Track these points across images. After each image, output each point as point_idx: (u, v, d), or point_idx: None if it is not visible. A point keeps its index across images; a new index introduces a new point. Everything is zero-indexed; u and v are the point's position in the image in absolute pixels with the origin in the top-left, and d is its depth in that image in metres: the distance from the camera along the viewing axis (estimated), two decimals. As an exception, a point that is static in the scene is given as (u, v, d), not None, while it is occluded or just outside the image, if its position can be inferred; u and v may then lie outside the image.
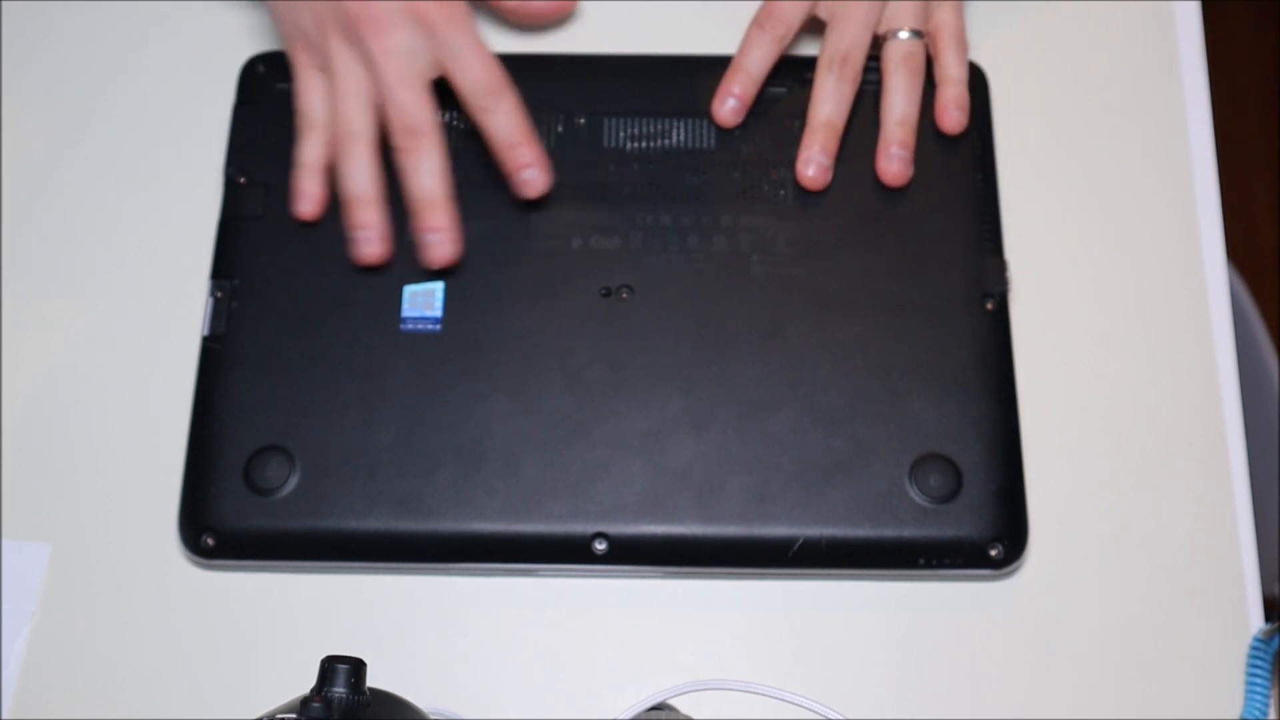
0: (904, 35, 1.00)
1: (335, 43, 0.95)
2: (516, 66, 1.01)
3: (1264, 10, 2.20)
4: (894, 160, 0.98)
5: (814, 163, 0.98)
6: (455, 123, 1.00)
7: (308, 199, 0.97)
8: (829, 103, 0.99)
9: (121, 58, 1.06)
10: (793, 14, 1.00)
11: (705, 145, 0.99)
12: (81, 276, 1.00)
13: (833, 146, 0.98)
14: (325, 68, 0.96)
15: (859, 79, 1.00)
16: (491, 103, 0.95)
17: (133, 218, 1.01)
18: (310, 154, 0.97)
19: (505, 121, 0.95)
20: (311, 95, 0.98)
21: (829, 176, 0.98)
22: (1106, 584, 0.91)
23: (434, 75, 0.95)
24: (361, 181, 0.95)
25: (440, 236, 0.95)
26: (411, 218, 0.95)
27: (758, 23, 1.00)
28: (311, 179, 0.97)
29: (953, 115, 0.99)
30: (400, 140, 0.94)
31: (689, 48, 1.04)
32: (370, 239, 0.95)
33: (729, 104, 0.99)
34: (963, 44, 1.01)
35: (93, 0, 1.08)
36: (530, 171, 0.96)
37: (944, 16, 1.01)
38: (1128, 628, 0.90)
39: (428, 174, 0.95)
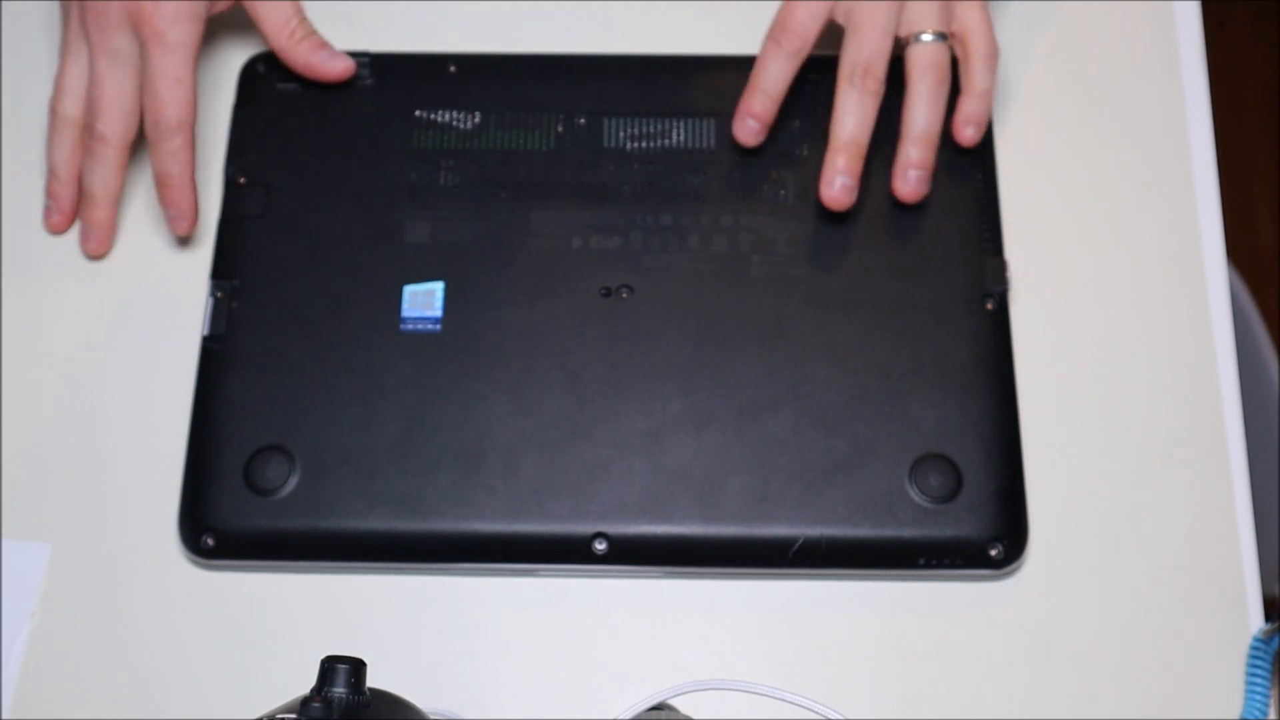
0: (927, 38, 0.97)
1: (73, 27, 1.00)
2: (518, 66, 1.02)
3: (1264, 10, 2.20)
4: (910, 182, 0.96)
5: (837, 183, 0.96)
6: (456, 123, 1.00)
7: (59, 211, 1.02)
8: (852, 118, 0.96)
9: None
10: (808, 25, 0.97)
11: (705, 145, 0.99)
12: (82, 276, 1.00)
13: (857, 166, 0.96)
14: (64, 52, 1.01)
15: (882, 90, 0.96)
16: (156, 139, 0.98)
17: (133, 218, 1.01)
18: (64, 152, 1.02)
19: (163, 163, 0.98)
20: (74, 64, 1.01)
21: (853, 197, 0.96)
22: (1106, 584, 0.91)
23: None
24: (58, 159, 1.01)
25: (92, 230, 1.01)
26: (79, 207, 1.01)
27: (773, 38, 0.98)
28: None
29: (967, 132, 0.98)
30: (83, 137, 1.00)
31: (689, 48, 1.04)
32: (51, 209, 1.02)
33: (749, 124, 0.98)
34: (993, 50, 0.98)
35: (93, 0, 1.08)
36: (172, 212, 0.99)
37: (970, 18, 0.98)
38: (1128, 628, 0.90)
39: (97, 176, 0.99)
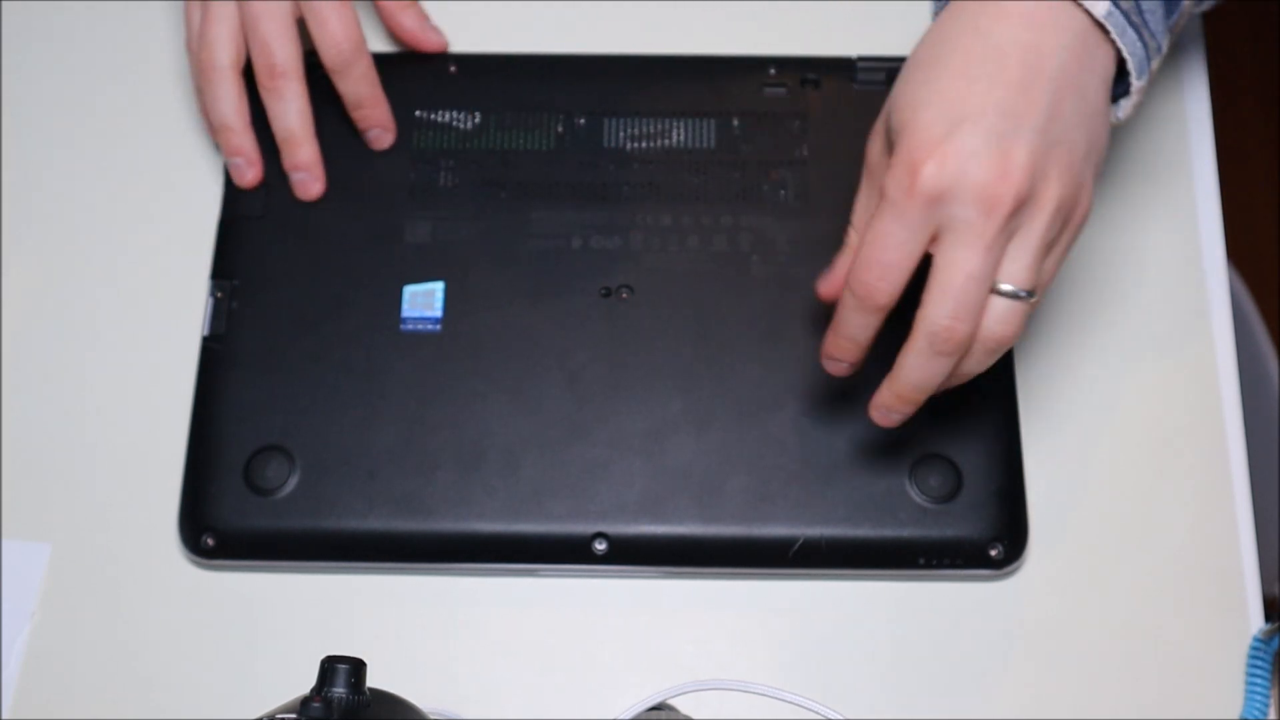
0: (1006, 288, 0.79)
1: None
2: (518, 66, 1.02)
3: (1264, 12, 2.20)
4: (878, 413, 0.85)
5: (877, 409, 0.85)
6: (456, 123, 1.00)
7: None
8: (915, 375, 0.82)
9: (121, 58, 1.06)
10: (892, 286, 0.81)
11: (705, 145, 0.99)
12: (82, 276, 1.00)
13: (903, 412, 0.84)
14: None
15: (959, 354, 0.81)
16: (343, 66, 0.98)
17: (133, 218, 1.02)
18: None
19: (355, 87, 0.98)
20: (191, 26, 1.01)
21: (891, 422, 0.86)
22: (1106, 584, 0.91)
23: (298, 17, 0.98)
24: (228, 111, 0.99)
25: (303, 175, 0.98)
26: (280, 154, 0.99)
27: (856, 300, 0.82)
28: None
29: (875, 415, 0.85)
30: (263, 79, 0.98)
31: (689, 48, 1.04)
32: (241, 166, 0.99)
33: (839, 366, 0.86)
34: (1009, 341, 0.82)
35: (93, 0, 1.08)
36: (375, 131, 1.00)
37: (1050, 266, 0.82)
38: (1128, 628, 0.90)
39: (290, 113, 0.98)
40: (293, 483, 0.91)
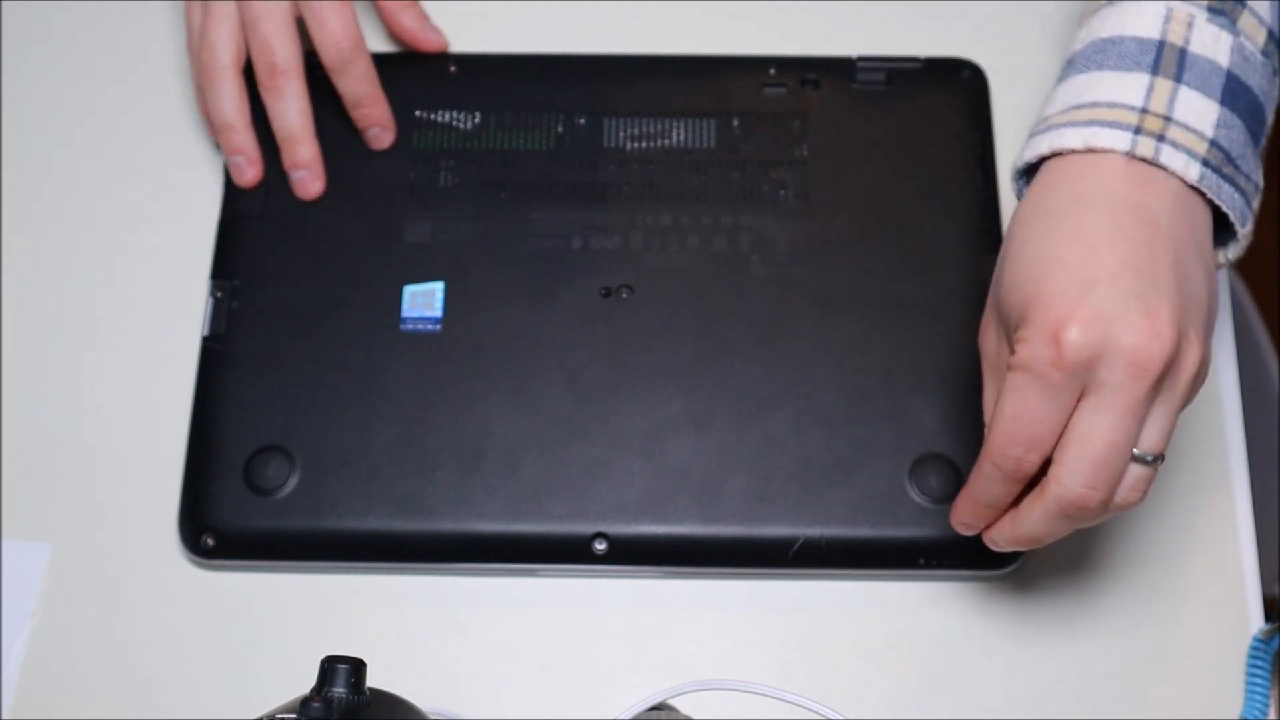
0: (1147, 456, 0.76)
1: None
2: (518, 66, 1.02)
3: (1264, 11, 2.19)
4: (965, 529, 0.83)
5: (968, 529, 0.82)
6: (456, 123, 1.00)
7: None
8: (1035, 528, 0.78)
9: (121, 58, 1.06)
10: (1040, 457, 0.76)
11: (705, 145, 0.99)
12: (82, 276, 1.00)
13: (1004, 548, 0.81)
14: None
15: (1088, 521, 0.77)
16: (342, 64, 0.98)
17: (133, 218, 1.02)
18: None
19: (354, 85, 0.98)
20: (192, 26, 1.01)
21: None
22: (1106, 584, 0.91)
23: (297, 16, 0.99)
24: (228, 110, 0.99)
25: (303, 173, 0.98)
26: (280, 153, 0.99)
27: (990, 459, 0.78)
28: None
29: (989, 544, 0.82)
30: (263, 78, 0.98)
31: (689, 48, 1.04)
32: (242, 164, 0.99)
33: (971, 530, 0.82)
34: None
35: (93, 0, 1.08)
36: (374, 130, 0.99)
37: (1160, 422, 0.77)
38: (1127, 628, 0.90)
39: (290, 112, 0.98)
40: (293, 483, 0.91)
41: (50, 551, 0.93)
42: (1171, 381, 0.74)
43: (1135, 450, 0.74)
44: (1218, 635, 0.90)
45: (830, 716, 0.71)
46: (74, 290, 1.00)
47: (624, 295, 0.95)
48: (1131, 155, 0.77)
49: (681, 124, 1.00)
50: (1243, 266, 1.39)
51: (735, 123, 1.00)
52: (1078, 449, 0.74)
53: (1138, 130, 0.77)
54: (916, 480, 0.90)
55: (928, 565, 0.90)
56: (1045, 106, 0.82)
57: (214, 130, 0.99)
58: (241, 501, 0.91)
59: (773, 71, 1.01)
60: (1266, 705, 0.88)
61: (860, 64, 1.01)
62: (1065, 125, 0.79)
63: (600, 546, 0.90)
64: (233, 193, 0.99)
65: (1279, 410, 1.36)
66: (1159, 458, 0.75)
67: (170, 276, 0.99)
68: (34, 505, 0.94)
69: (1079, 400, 0.74)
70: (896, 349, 0.93)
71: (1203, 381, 0.77)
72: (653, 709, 0.76)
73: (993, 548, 0.81)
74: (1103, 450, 0.74)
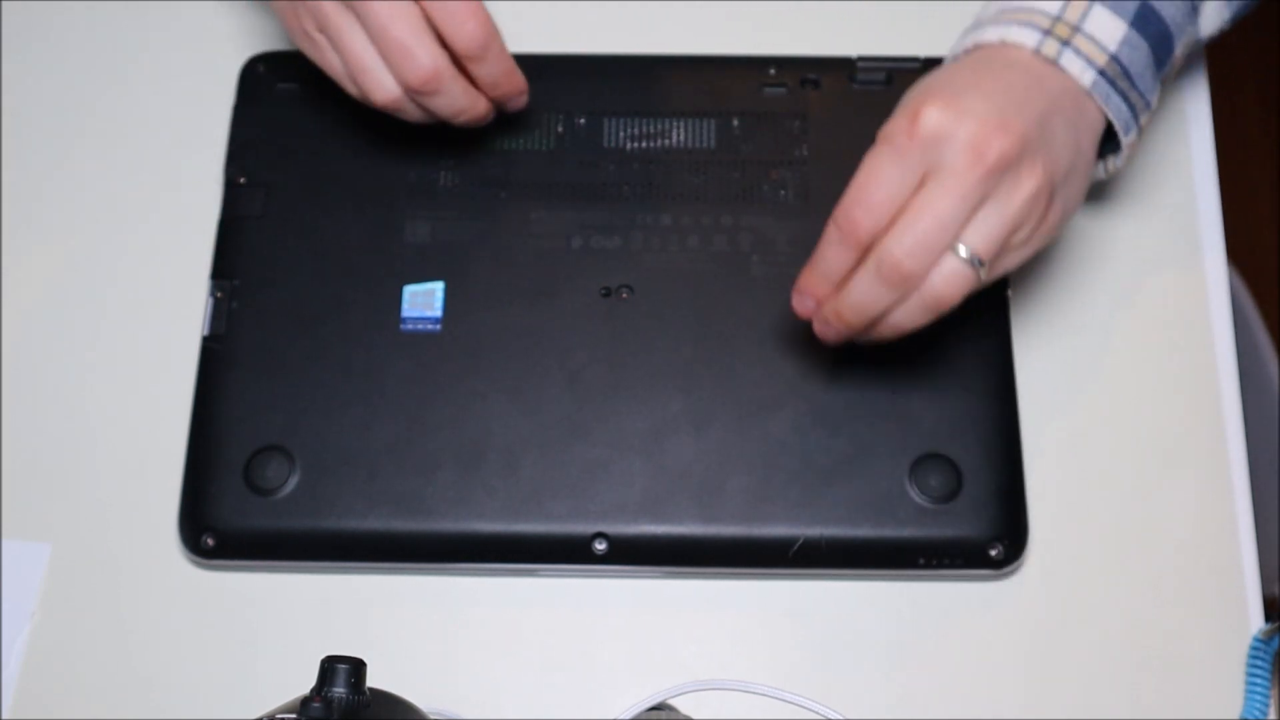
0: (963, 251, 0.82)
1: (327, 6, 0.91)
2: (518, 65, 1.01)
3: (1264, 11, 2.20)
4: (819, 322, 0.87)
5: (820, 321, 0.87)
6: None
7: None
8: (857, 295, 0.84)
9: (121, 58, 1.06)
10: (875, 224, 0.83)
11: (705, 145, 0.99)
12: (82, 276, 1.00)
13: (839, 331, 0.86)
14: (323, 30, 0.92)
15: (900, 291, 0.83)
16: (480, 53, 0.91)
17: (133, 218, 1.02)
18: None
19: (493, 68, 0.93)
20: (330, 58, 0.94)
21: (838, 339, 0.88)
22: (1106, 584, 0.91)
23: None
24: (451, 102, 0.93)
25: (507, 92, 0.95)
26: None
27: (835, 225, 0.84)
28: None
29: (818, 328, 0.87)
30: (421, 92, 0.91)
31: (689, 48, 1.04)
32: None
33: (807, 304, 0.87)
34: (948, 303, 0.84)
35: (93, 0, 1.08)
36: (522, 98, 0.96)
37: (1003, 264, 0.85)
38: (1127, 628, 0.90)
39: (458, 101, 0.92)
40: (292, 483, 0.91)
41: (50, 551, 0.93)
42: (1008, 187, 0.82)
43: (960, 247, 0.81)
44: (1218, 635, 0.90)
45: (830, 716, 0.71)
46: (74, 290, 1.00)
47: (624, 295, 0.95)
48: (1037, 52, 0.86)
49: (681, 124, 1.00)
50: (1243, 267, 1.39)
51: (735, 123, 1.00)
52: (906, 219, 0.81)
53: (1047, 33, 0.86)
54: (916, 480, 0.90)
55: (927, 565, 0.90)
56: (980, 12, 0.91)
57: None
58: (241, 501, 0.91)
59: (773, 71, 1.01)
60: (1266, 705, 0.88)
61: (860, 64, 1.01)
62: (989, 24, 0.88)
63: (600, 546, 0.90)
64: (233, 193, 0.99)
65: (1279, 410, 1.36)
66: (980, 263, 0.82)
67: (170, 276, 0.99)
68: (34, 505, 0.94)
69: (924, 183, 0.82)
70: (896, 349, 0.93)
71: (1049, 233, 0.85)
72: (653, 709, 0.76)
73: (821, 330, 0.87)
74: (928, 223, 0.81)
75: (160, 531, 0.93)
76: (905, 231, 0.81)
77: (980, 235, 0.81)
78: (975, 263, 0.82)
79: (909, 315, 0.84)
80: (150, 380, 0.97)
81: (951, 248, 0.81)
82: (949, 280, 0.82)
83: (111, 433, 0.96)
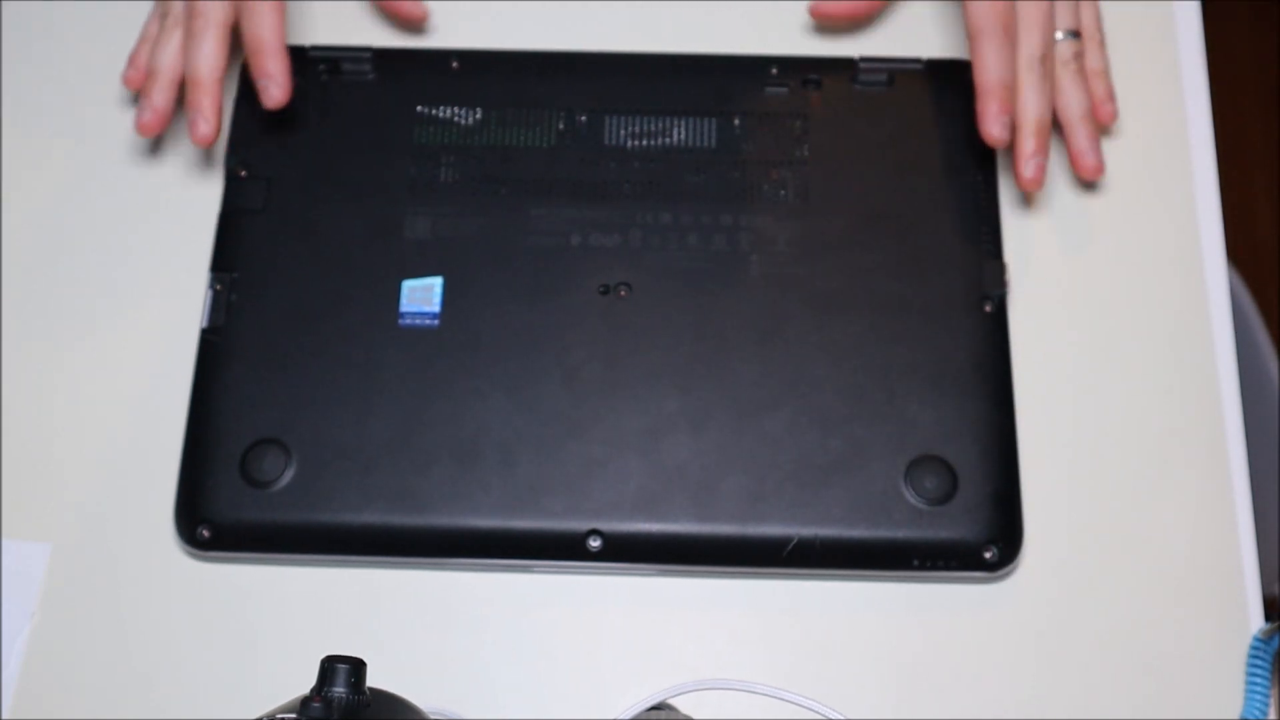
0: (1060, 36, 1.00)
1: None
2: (520, 63, 1.02)
3: (1264, 10, 2.20)
4: (1088, 154, 1.00)
5: (1033, 162, 0.97)
6: (457, 119, 1.00)
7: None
8: (1035, 101, 0.98)
9: (124, 51, 1.06)
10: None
11: (706, 144, 0.99)
12: (81, 270, 1.00)
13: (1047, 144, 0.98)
14: None
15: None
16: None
17: (133, 211, 1.01)
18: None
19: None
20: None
21: (1045, 175, 0.98)
22: (1104, 586, 0.91)
23: None
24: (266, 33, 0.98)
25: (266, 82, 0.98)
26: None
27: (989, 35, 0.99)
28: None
29: (1108, 107, 1.02)
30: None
31: (691, 47, 1.04)
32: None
33: (1005, 120, 0.98)
34: (1104, 40, 1.03)
35: (93, 0, 1.08)
36: (262, 82, 0.98)
37: (1087, 10, 1.03)
38: (1127, 628, 0.90)
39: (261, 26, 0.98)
40: (288, 476, 0.91)
41: (50, 551, 0.93)
42: None
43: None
44: (1218, 635, 0.90)
45: (830, 716, 0.71)
46: (74, 285, 0.99)
47: (622, 293, 0.95)
48: None
49: (682, 123, 1.00)
50: (1243, 266, 1.39)
51: (736, 122, 1.00)
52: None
53: None
54: (912, 482, 0.90)
55: (922, 567, 0.90)
56: None
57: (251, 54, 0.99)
58: (237, 494, 0.91)
59: (774, 71, 1.01)
60: (1266, 705, 0.88)
61: (862, 64, 1.01)
62: None
63: (595, 544, 0.90)
64: (233, 186, 0.99)
65: (1279, 410, 1.36)
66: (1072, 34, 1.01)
67: (170, 269, 0.99)
68: (34, 505, 0.94)
69: None
70: (894, 350, 0.93)
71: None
72: (653, 709, 0.76)
73: (1028, 176, 0.97)
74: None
75: (158, 525, 0.93)
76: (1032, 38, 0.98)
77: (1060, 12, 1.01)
78: (1071, 35, 1.01)
79: (1071, 92, 1.01)
80: (149, 373, 0.97)
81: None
82: (1072, 53, 1.01)
83: (111, 427, 0.96)
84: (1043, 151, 0.97)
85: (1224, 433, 0.95)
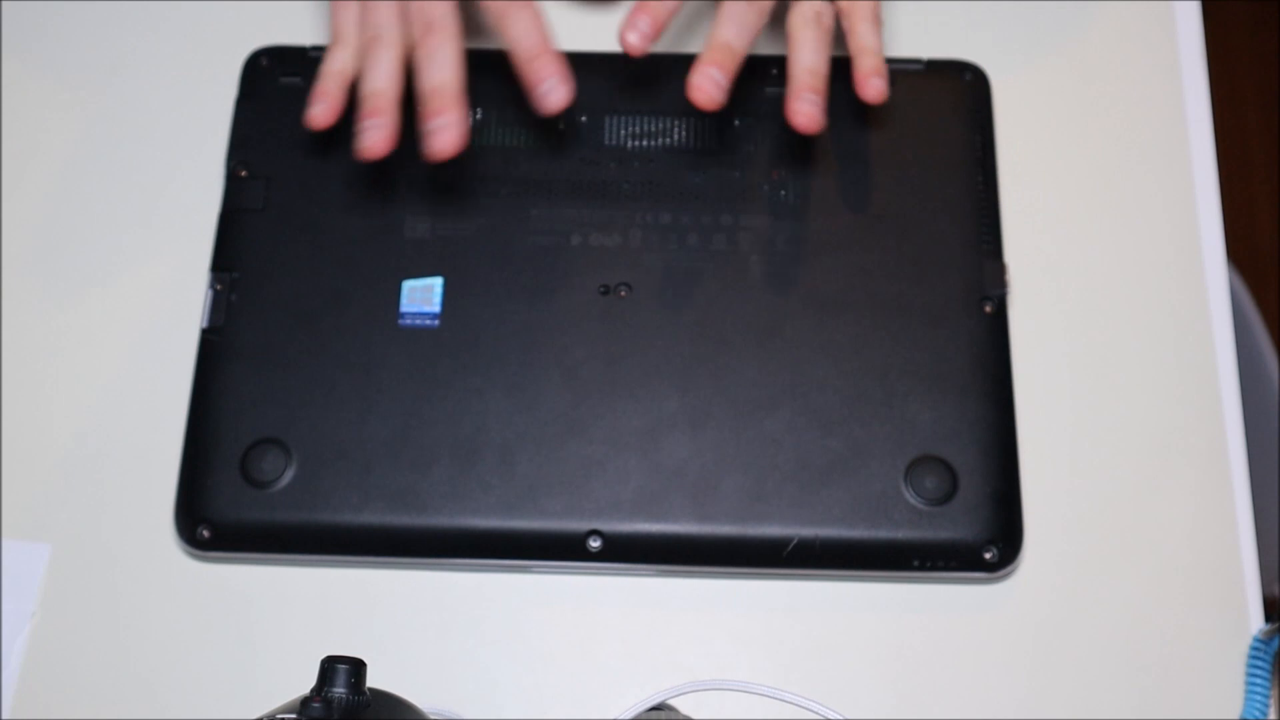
0: None
1: None
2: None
3: (1264, 10, 2.20)
4: (806, 103, 0.93)
5: (806, 101, 0.93)
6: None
7: (324, 101, 0.94)
8: (809, 51, 0.94)
9: (124, 51, 1.06)
10: None
11: (706, 144, 0.99)
12: (82, 269, 1.00)
13: (825, 89, 0.94)
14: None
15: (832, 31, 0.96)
16: (511, 12, 0.93)
17: (134, 210, 1.02)
18: (337, 63, 0.95)
19: (525, 32, 0.93)
20: (345, 14, 0.96)
21: (823, 122, 0.93)
22: (1104, 586, 0.91)
23: None
24: (380, 78, 0.93)
25: (444, 121, 0.91)
26: (420, 110, 0.92)
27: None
28: (333, 83, 0.95)
29: (874, 84, 0.94)
30: (419, 38, 0.92)
31: (692, 46, 1.04)
32: (375, 127, 0.92)
33: (714, 87, 0.92)
34: (878, 18, 0.96)
35: (93, 0, 1.08)
36: (550, 83, 0.93)
37: None
38: (1127, 629, 0.90)
39: (441, 65, 0.92)
40: (288, 476, 0.91)
41: (50, 551, 0.93)
42: None
43: None
44: (1218, 635, 0.90)
45: (830, 716, 0.71)
46: (75, 282, 0.99)
47: (622, 293, 0.95)
48: None
49: (683, 123, 1.00)
50: (1243, 266, 1.39)
51: (736, 122, 1.00)
52: None
53: None
54: (912, 482, 0.90)
55: (922, 567, 0.90)
56: None
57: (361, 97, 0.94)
58: (237, 494, 0.91)
59: (775, 71, 1.01)
60: (1266, 705, 0.88)
61: (862, 64, 1.01)
62: None
63: (595, 544, 0.90)
64: (234, 186, 0.99)
65: (1279, 410, 1.36)
66: None
67: (170, 269, 0.99)
68: (34, 505, 0.94)
69: None
70: (894, 350, 0.93)
71: None
72: (653, 709, 0.76)
73: (800, 121, 0.92)
74: None
75: (158, 525, 0.93)
76: None
77: None
78: None
79: (810, 47, 0.94)
80: (149, 372, 0.97)
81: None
82: (814, 11, 0.95)
83: (111, 426, 0.96)
84: (820, 95, 0.93)
85: (1224, 433, 0.95)
